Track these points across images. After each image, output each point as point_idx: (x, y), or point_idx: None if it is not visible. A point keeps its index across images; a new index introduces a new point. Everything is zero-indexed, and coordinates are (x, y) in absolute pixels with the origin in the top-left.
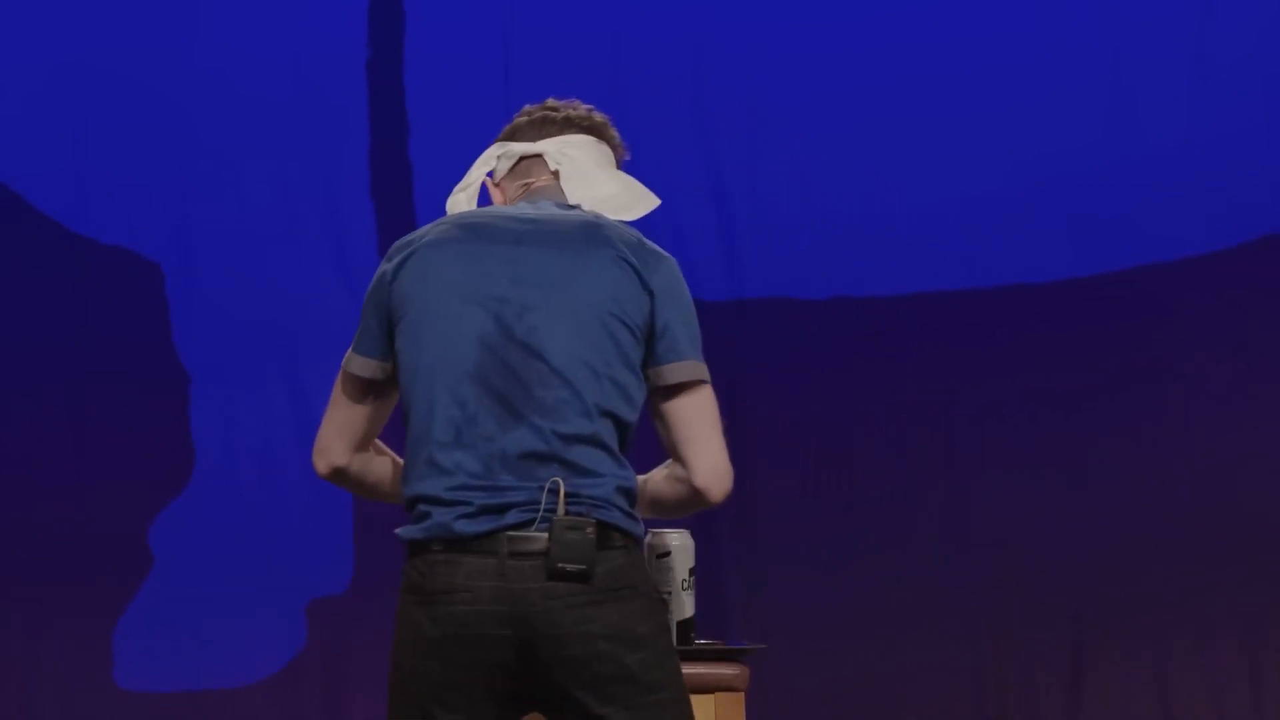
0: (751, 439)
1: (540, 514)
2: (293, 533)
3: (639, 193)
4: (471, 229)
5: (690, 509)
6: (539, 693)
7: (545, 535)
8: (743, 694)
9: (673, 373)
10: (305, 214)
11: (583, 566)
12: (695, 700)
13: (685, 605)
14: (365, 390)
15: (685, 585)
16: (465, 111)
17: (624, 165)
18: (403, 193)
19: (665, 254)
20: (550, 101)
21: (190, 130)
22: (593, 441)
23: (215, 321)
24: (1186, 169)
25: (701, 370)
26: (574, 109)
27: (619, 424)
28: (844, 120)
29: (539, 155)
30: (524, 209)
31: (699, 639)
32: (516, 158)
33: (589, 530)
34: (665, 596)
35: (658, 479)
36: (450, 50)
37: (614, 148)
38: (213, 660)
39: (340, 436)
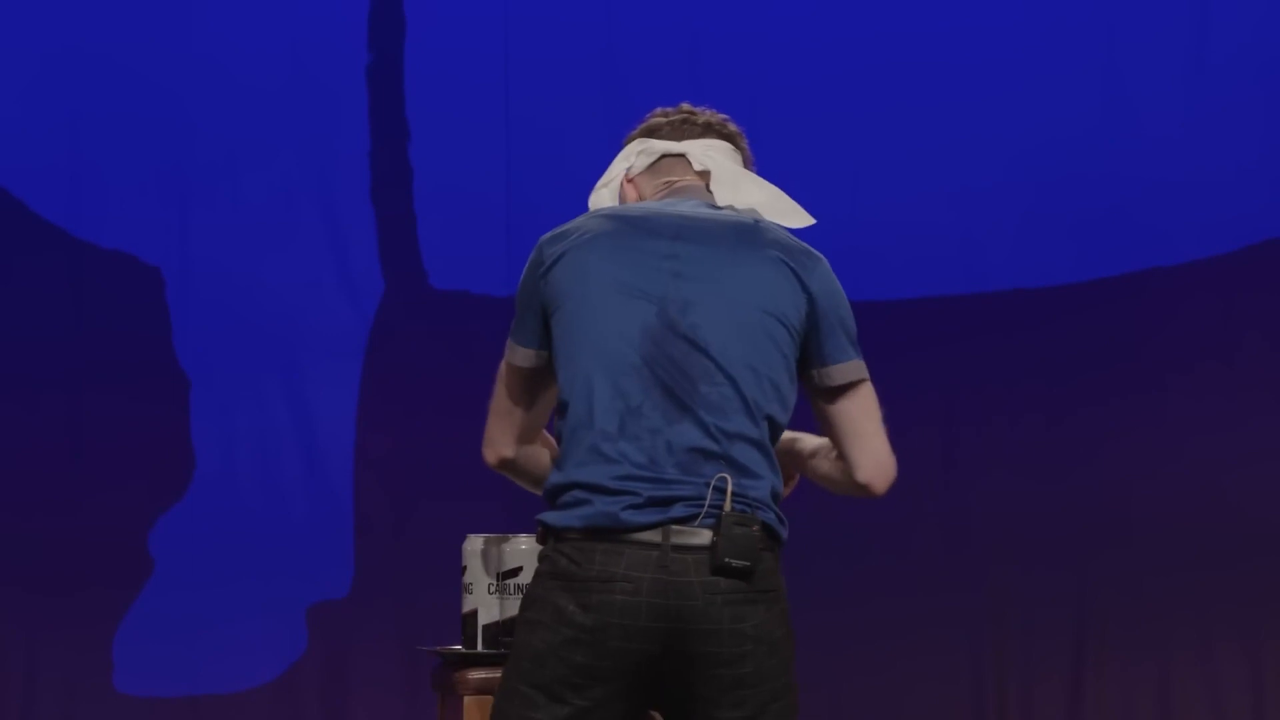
0: None
1: (705, 509)
2: (293, 537)
3: (789, 205)
4: (628, 222)
5: (847, 493)
6: (668, 689)
7: (710, 530)
8: None
9: (840, 373)
10: (305, 218)
11: (748, 563)
12: None
13: None
14: (526, 381)
15: None
16: (464, 115)
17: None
18: (402, 196)
19: (819, 254)
20: (685, 106)
21: (190, 134)
22: (754, 442)
23: (216, 326)
24: (1187, 173)
25: (863, 369)
26: (712, 115)
27: (774, 426)
28: (844, 124)
29: (682, 155)
30: (677, 205)
31: None
32: (658, 155)
33: (755, 528)
34: None
35: (823, 458)
36: (450, 55)
37: (746, 159)
38: (213, 665)
39: (506, 428)
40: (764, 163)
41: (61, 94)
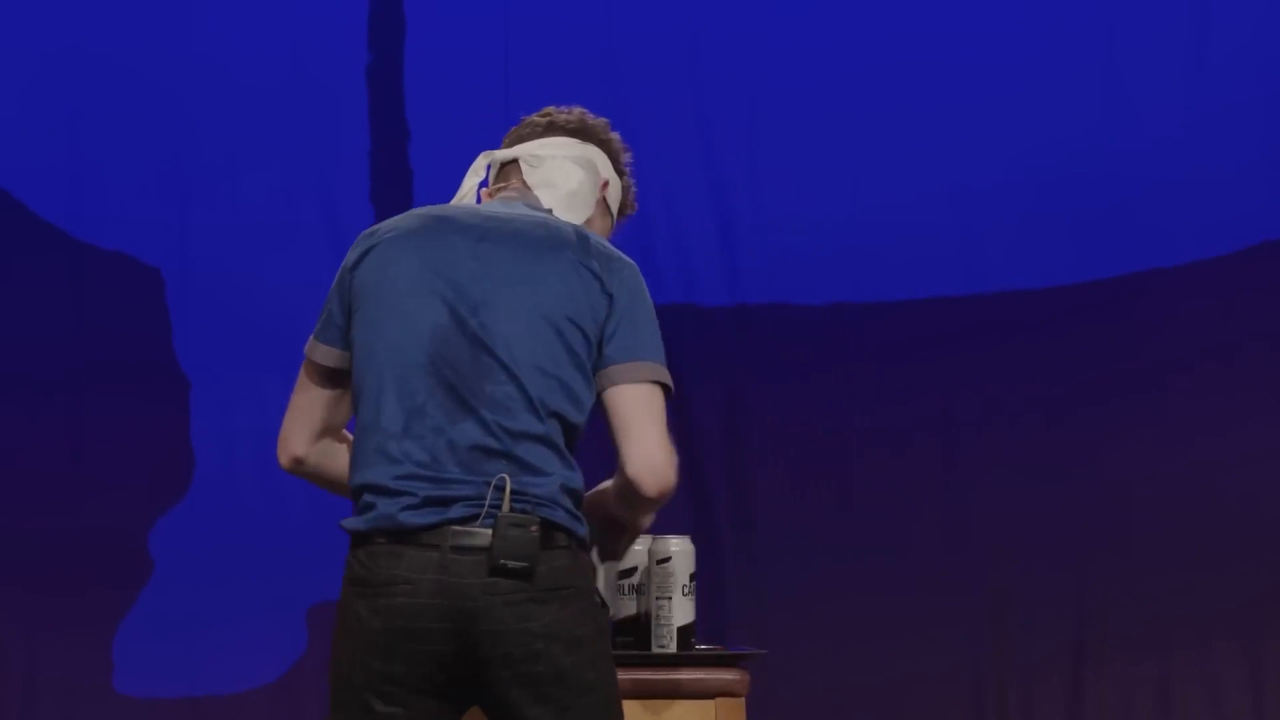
0: (751, 444)
1: (485, 509)
2: (293, 538)
3: (579, 202)
4: (436, 221)
5: (631, 507)
6: (476, 688)
7: (489, 531)
8: (743, 699)
9: (621, 373)
10: (305, 219)
11: (525, 564)
12: (696, 705)
13: (686, 611)
14: (326, 379)
15: (686, 591)
16: (465, 117)
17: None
18: (402, 198)
19: (627, 259)
20: (548, 109)
21: (190, 134)
22: (540, 440)
23: (216, 326)
24: (1187, 173)
25: (652, 370)
26: (564, 113)
27: (566, 424)
28: (844, 124)
29: (515, 160)
30: (493, 207)
31: (699, 644)
32: (498, 164)
33: (533, 528)
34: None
35: (607, 484)
36: (450, 55)
37: (609, 151)
38: (213, 666)
39: (301, 428)
40: (764, 162)
41: (61, 94)
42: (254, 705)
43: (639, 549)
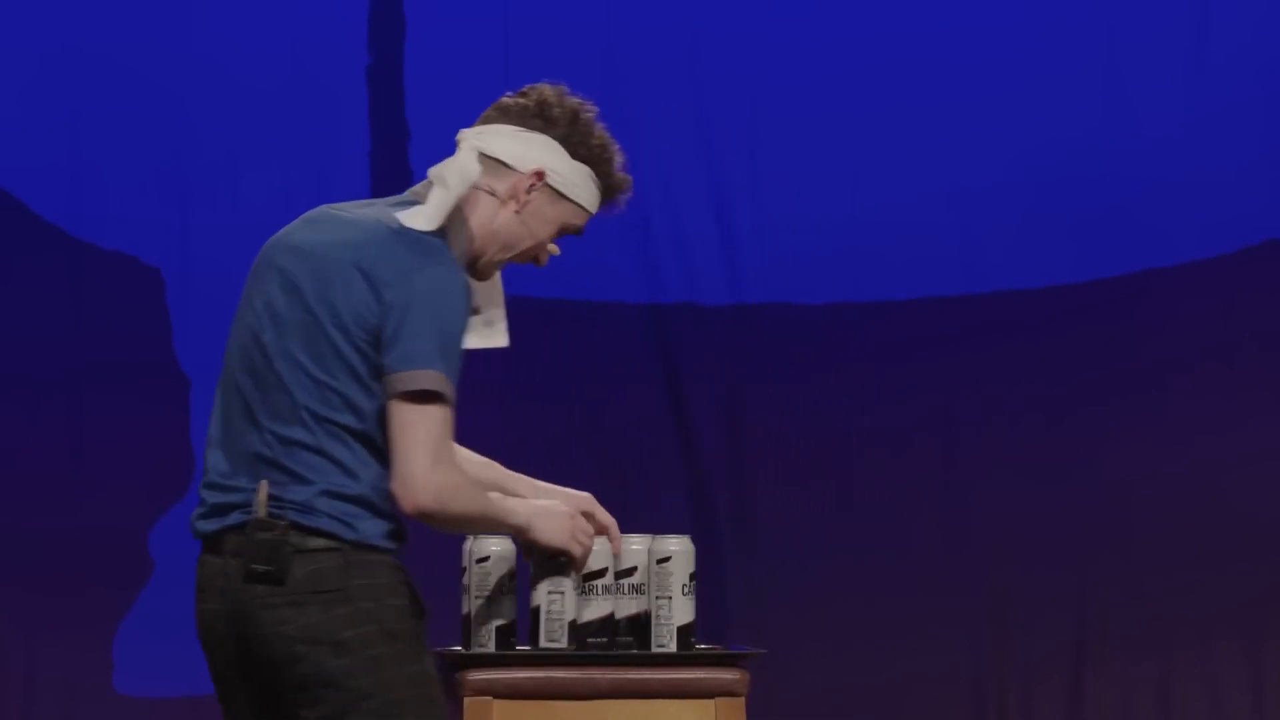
0: (751, 443)
1: (253, 516)
2: None
3: (442, 207)
4: (293, 228)
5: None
6: (264, 691)
7: (244, 537)
8: (743, 699)
9: (390, 383)
10: None
11: (271, 568)
12: (696, 705)
13: (686, 610)
14: None
15: (686, 591)
16: (465, 117)
17: (628, 171)
18: None
19: (429, 261)
20: (526, 89)
21: (190, 134)
22: (310, 448)
23: (216, 326)
24: (1187, 173)
25: (427, 379)
26: (515, 97)
27: (346, 432)
28: (844, 124)
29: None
30: (348, 210)
31: (699, 644)
32: None
33: (279, 531)
34: (372, 606)
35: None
36: (450, 55)
37: (564, 136)
38: None
39: None
40: (764, 162)
41: (61, 94)
42: None
43: (638, 549)
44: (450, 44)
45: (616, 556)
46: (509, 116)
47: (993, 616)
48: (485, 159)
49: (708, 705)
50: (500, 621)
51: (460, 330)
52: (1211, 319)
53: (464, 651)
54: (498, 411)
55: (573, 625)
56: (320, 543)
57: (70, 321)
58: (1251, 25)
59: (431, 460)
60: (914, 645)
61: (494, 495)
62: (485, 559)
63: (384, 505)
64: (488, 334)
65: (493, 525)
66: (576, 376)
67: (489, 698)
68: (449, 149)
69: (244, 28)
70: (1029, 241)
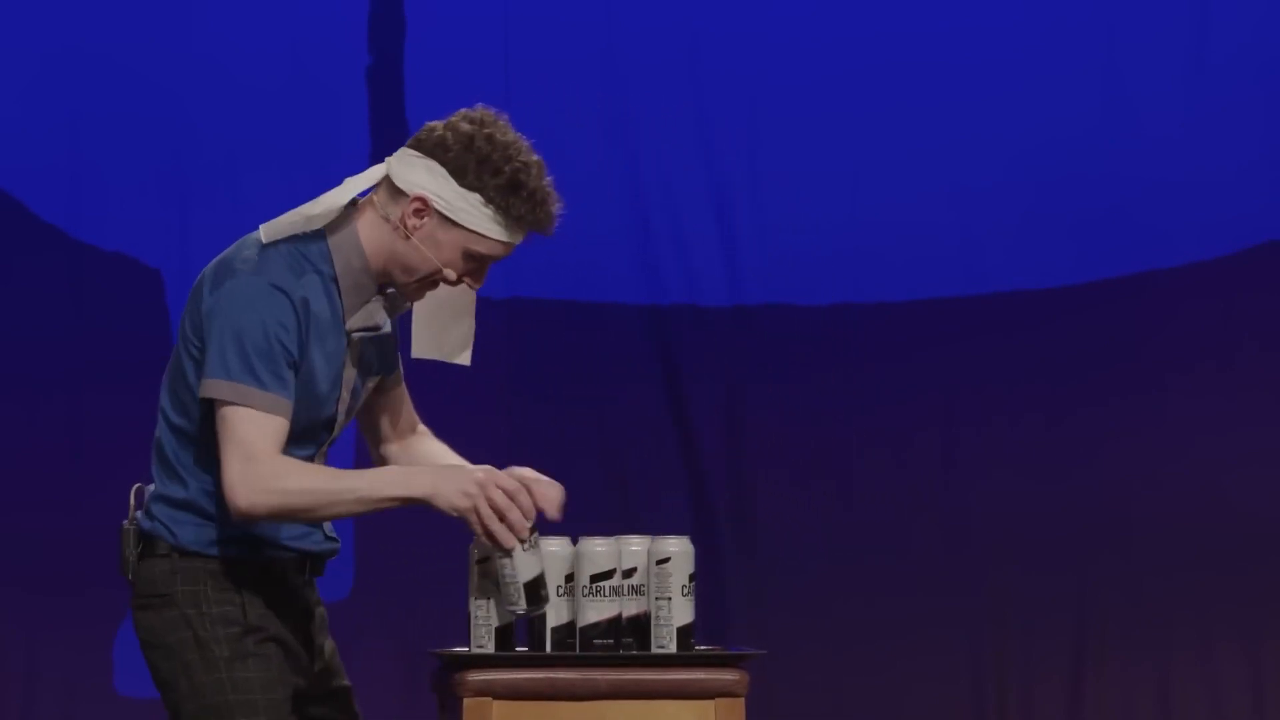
0: (751, 443)
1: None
2: None
3: (282, 225)
4: None
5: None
6: None
7: None
8: (742, 700)
9: (200, 390)
10: None
11: (126, 573)
12: (696, 705)
13: (686, 611)
14: None
15: (685, 591)
16: None
17: (625, 171)
18: None
19: (237, 273)
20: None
21: (190, 134)
22: (159, 453)
23: None
24: (1187, 173)
25: (221, 389)
26: (425, 129)
27: (180, 437)
28: (844, 124)
29: None
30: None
31: (699, 644)
32: None
33: (131, 536)
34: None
35: None
36: (450, 55)
37: (452, 163)
38: None
39: None
40: (764, 162)
41: (61, 94)
42: None
43: (637, 549)
44: (450, 44)
45: (556, 512)
46: (416, 143)
47: (993, 616)
48: (387, 182)
49: (707, 706)
50: (500, 622)
51: (266, 335)
52: (1211, 319)
53: (464, 652)
54: (498, 412)
55: (573, 627)
56: (160, 547)
57: (70, 321)
58: (1251, 25)
59: (242, 461)
60: (914, 645)
61: (376, 471)
62: (486, 560)
63: (215, 511)
64: (444, 347)
65: (370, 503)
66: (576, 377)
67: (489, 698)
68: None
69: (244, 28)
70: (1029, 242)
